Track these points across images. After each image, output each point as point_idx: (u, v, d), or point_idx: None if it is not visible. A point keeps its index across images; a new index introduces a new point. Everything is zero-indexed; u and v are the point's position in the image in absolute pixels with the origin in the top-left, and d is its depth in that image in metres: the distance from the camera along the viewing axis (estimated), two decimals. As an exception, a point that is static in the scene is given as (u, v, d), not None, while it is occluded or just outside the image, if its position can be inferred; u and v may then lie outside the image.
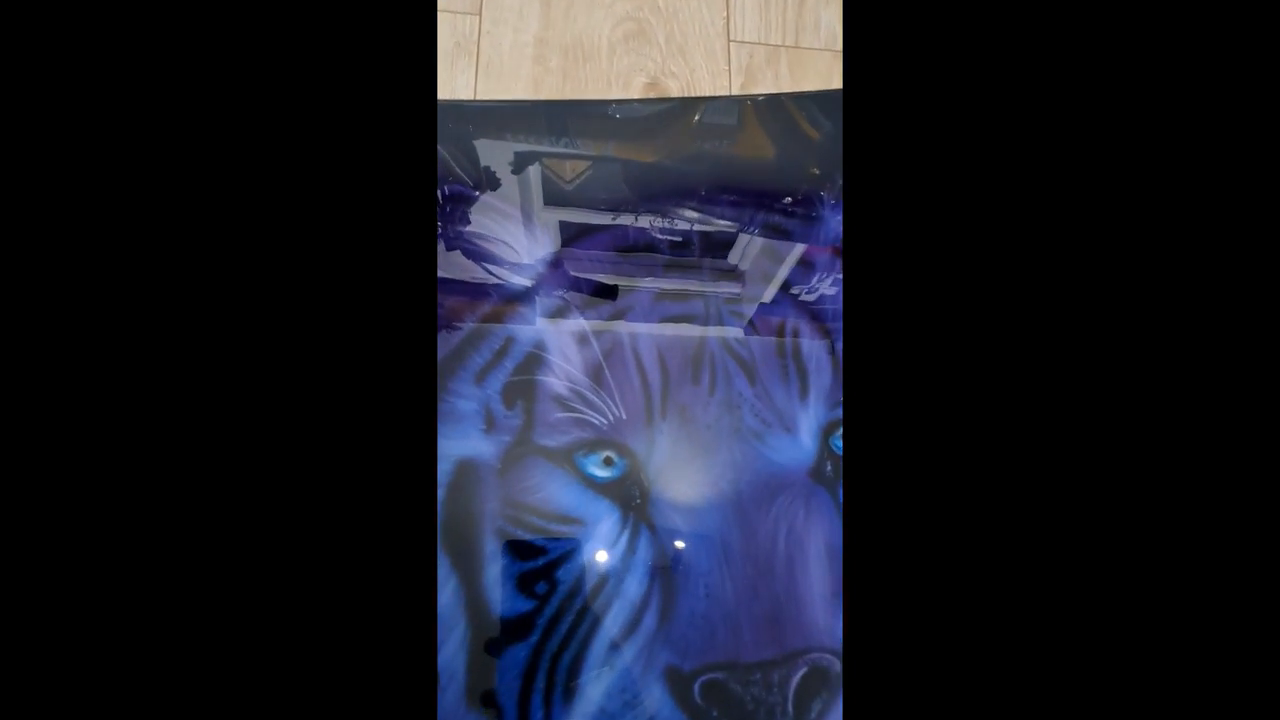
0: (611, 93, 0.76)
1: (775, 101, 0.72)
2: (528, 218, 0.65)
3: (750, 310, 0.65)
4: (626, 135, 0.70)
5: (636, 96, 0.76)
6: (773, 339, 0.64)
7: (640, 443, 0.59)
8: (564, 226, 0.66)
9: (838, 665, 0.54)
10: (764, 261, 0.67)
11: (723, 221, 0.67)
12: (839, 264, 0.67)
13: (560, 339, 0.61)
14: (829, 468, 0.60)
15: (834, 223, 0.68)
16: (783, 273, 0.67)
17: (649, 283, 0.65)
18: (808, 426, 0.61)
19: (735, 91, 0.77)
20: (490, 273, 0.63)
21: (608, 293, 0.64)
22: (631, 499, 0.57)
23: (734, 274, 0.66)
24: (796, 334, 0.64)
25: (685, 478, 0.59)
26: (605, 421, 0.59)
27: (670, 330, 0.63)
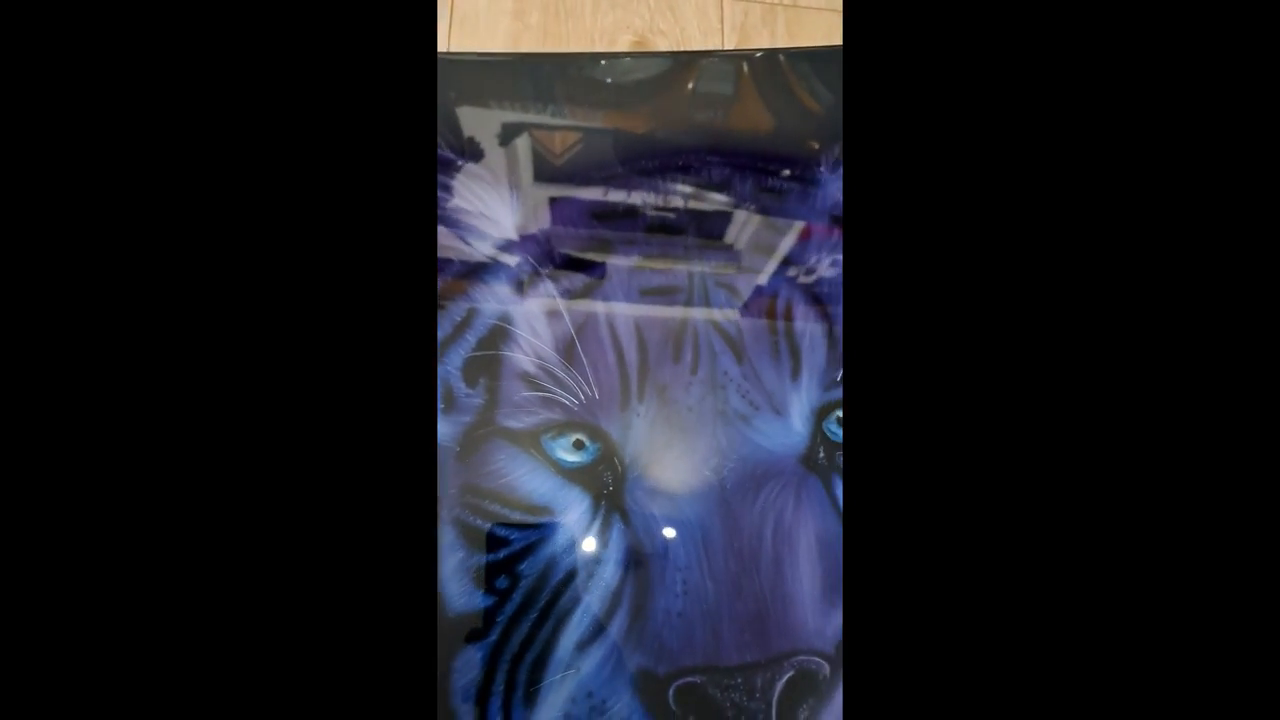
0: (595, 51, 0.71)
1: (773, 68, 0.67)
2: (515, 191, 0.61)
3: (747, 290, 0.60)
4: (617, 103, 0.65)
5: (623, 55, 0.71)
6: (763, 317, 0.59)
7: (615, 425, 0.54)
8: (554, 202, 0.61)
9: (827, 669, 0.49)
10: (761, 240, 0.62)
11: (718, 197, 0.63)
12: (838, 244, 0.62)
13: (529, 312, 0.56)
14: (822, 454, 0.55)
15: (831, 199, 0.63)
16: (780, 252, 0.62)
17: (640, 261, 0.60)
18: (799, 409, 0.56)
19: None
20: (473, 246, 0.58)
21: (594, 269, 0.59)
22: (604, 486, 0.53)
23: (730, 252, 0.61)
24: (790, 316, 0.59)
25: (663, 463, 0.54)
26: (576, 402, 0.54)
27: (649, 306, 0.58)
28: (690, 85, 0.66)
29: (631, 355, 0.56)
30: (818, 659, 0.49)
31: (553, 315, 0.57)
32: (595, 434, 0.54)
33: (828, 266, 0.62)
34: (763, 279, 0.61)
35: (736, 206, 0.63)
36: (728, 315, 0.58)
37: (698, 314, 0.58)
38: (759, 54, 0.69)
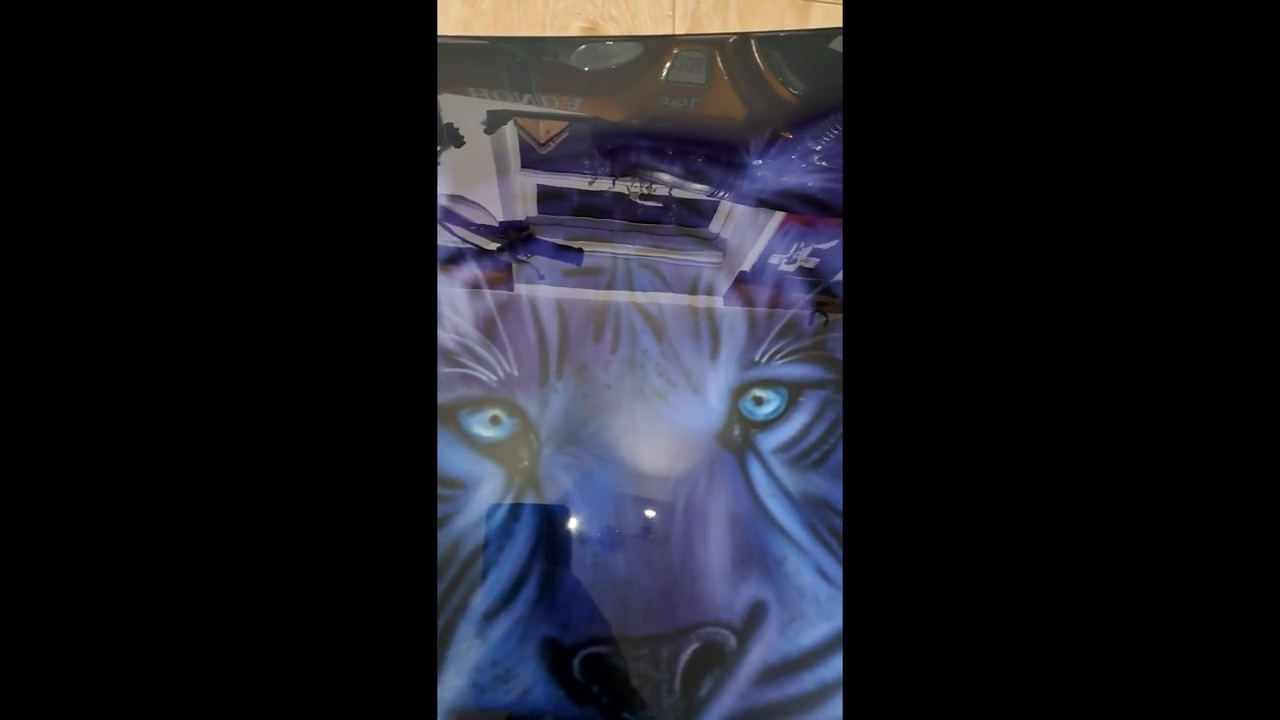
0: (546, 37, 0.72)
1: (745, 56, 0.67)
2: (503, 180, 0.61)
3: (729, 279, 0.61)
4: (594, 91, 0.66)
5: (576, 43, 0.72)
6: (685, 296, 0.60)
7: (532, 402, 0.55)
8: (541, 190, 0.62)
9: (733, 640, 0.50)
10: (745, 229, 0.63)
11: (696, 186, 0.63)
12: (819, 233, 0.63)
13: (450, 289, 0.57)
14: (737, 431, 0.56)
15: (760, 184, 0.64)
16: (762, 241, 0.63)
17: (624, 250, 0.61)
18: (717, 388, 0.57)
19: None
20: (454, 234, 0.59)
21: (573, 256, 0.60)
22: (519, 461, 0.53)
23: (715, 242, 0.62)
24: (776, 304, 0.60)
25: (579, 439, 0.54)
26: (495, 378, 0.55)
27: (573, 288, 0.59)
28: (663, 74, 0.67)
29: (552, 334, 0.57)
30: (724, 630, 0.50)
31: (474, 294, 0.57)
32: (513, 410, 0.54)
33: (807, 255, 0.62)
34: (747, 265, 0.62)
35: (710, 195, 0.64)
36: (651, 297, 0.59)
37: (620, 296, 0.59)
38: (731, 39, 0.69)
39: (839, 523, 0.53)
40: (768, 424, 0.56)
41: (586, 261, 0.60)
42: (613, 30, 0.78)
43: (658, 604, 0.50)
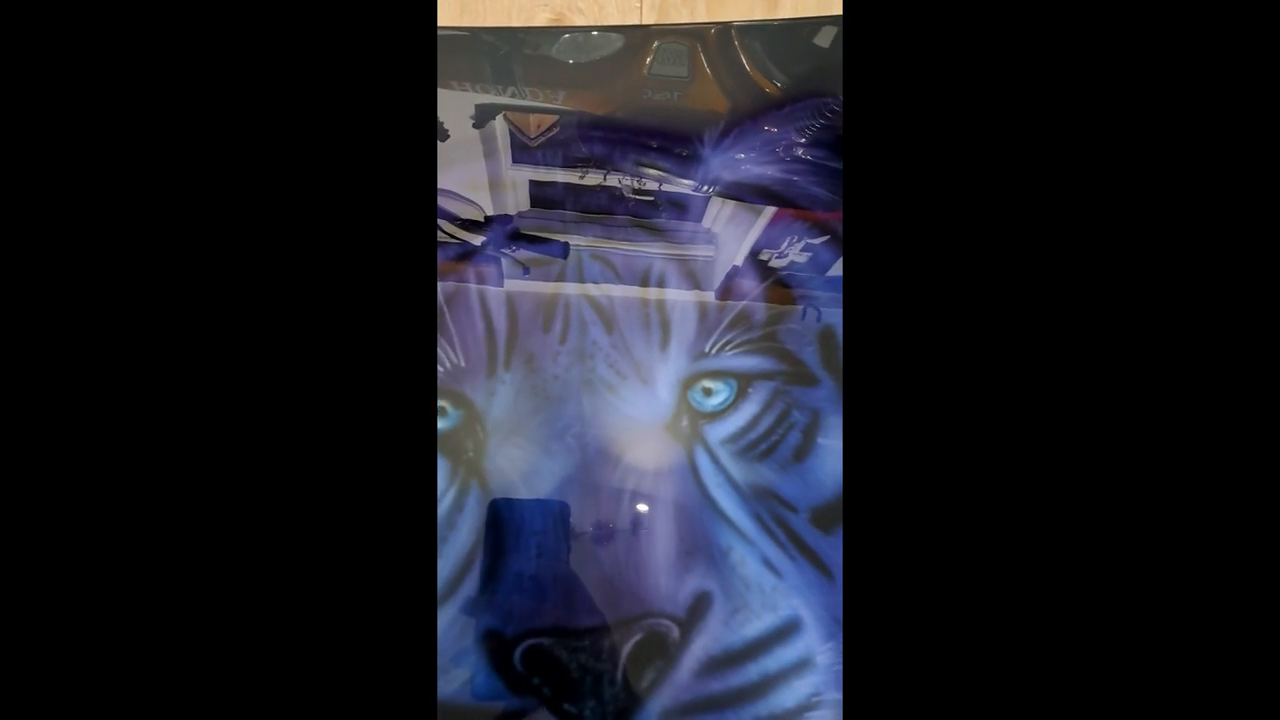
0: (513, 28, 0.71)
1: (727, 47, 0.67)
2: (494, 175, 0.61)
3: (721, 274, 0.61)
4: (577, 84, 0.65)
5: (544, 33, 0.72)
6: (637, 288, 0.59)
7: (479, 392, 0.54)
8: (533, 185, 0.62)
9: (676, 632, 0.50)
10: (736, 225, 0.62)
11: (684, 181, 0.63)
12: (810, 229, 0.62)
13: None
14: (685, 422, 0.55)
15: (712, 175, 0.64)
16: (752, 236, 0.62)
17: (613, 246, 0.60)
18: (666, 379, 0.57)
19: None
20: (441, 230, 0.58)
21: (557, 249, 0.60)
22: (463, 452, 0.53)
23: (706, 236, 0.62)
24: (767, 299, 0.60)
25: (526, 430, 0.54)
26: (441, 370, 0.55)
27: (523, 279, 0.59)
28: (645, 67, 0.66)
29: (501, 325, 0.57)
30: (668, 621, 0.50)
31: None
32: (458, 401, 0.54)
33: (799, 251, 0.62)
34: (738, 260, 0.61)
35: (695, 190, 0.63)
36: (603, 289, 0.59)
37: (570, 287, 0.59)
38: (712, 30, 0.69)
39: (786, 513, 0.53)
40: (716, 415, 0.56)
41: (538, 253, 0.60)
42: (580, 21, 0.77)
43: (601, 596, 0.50)
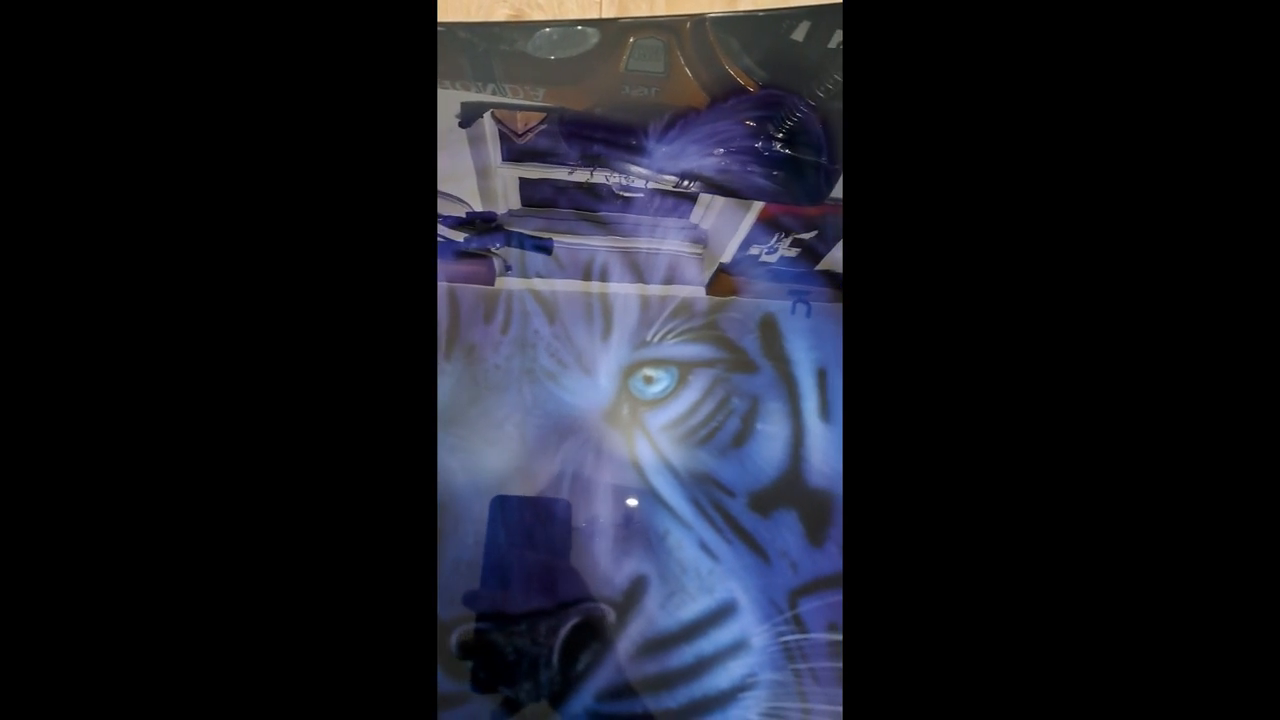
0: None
1: (703, 42, 0.67)
2: (483, 172, 0.61)
3: (711, 269, 0.61)
4: (556, 80, 0.66)
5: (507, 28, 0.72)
6: (579, 280, 0.60)
7: (419, 383, 0.55)
8: (523, 183, 0.62)
9: (613, 615, 0.50)
10: (725, 220, 0.63)
11: (666, 176, 0.64)
12: (799, 223, 0.63)
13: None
14: (626, 410, 0.56)
15: (658, 167, 0.65)
16: (742, 232, 0.63)
17: (605, 241, 0.61)
18: (607, 367, 0.57)
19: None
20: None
21: (543, 245, 0.60)
22: (403, 441, 0.53)
23: (696, 232, 0.63)
24: (757, 294, 0.61)
25: (466, 420, 0.55)
26: (382, 360, 0.55)
27: (466, 268, 0.59)
28: (622, 63, 0.67)
29: (442, 315, 0.57)
30: (604, 605, 0.50)
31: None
32: (399, 391, 0.55)
33: (788, 245, 0.63)
34: (727, 257, 0.62)
35: (676, 186, 0.64)
36: (545, 281, 0.60)
37: (513, 280, 0.59)
38: (688, 24, 0.69)
39: (723, 498, 0.54)
40: (657, 402, 0.57)
41: (481, 243, 0.60)
42: (538, 16, 0.78)
43: (539, 581, 0.51)
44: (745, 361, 0.59)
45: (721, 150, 0.65)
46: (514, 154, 0.64)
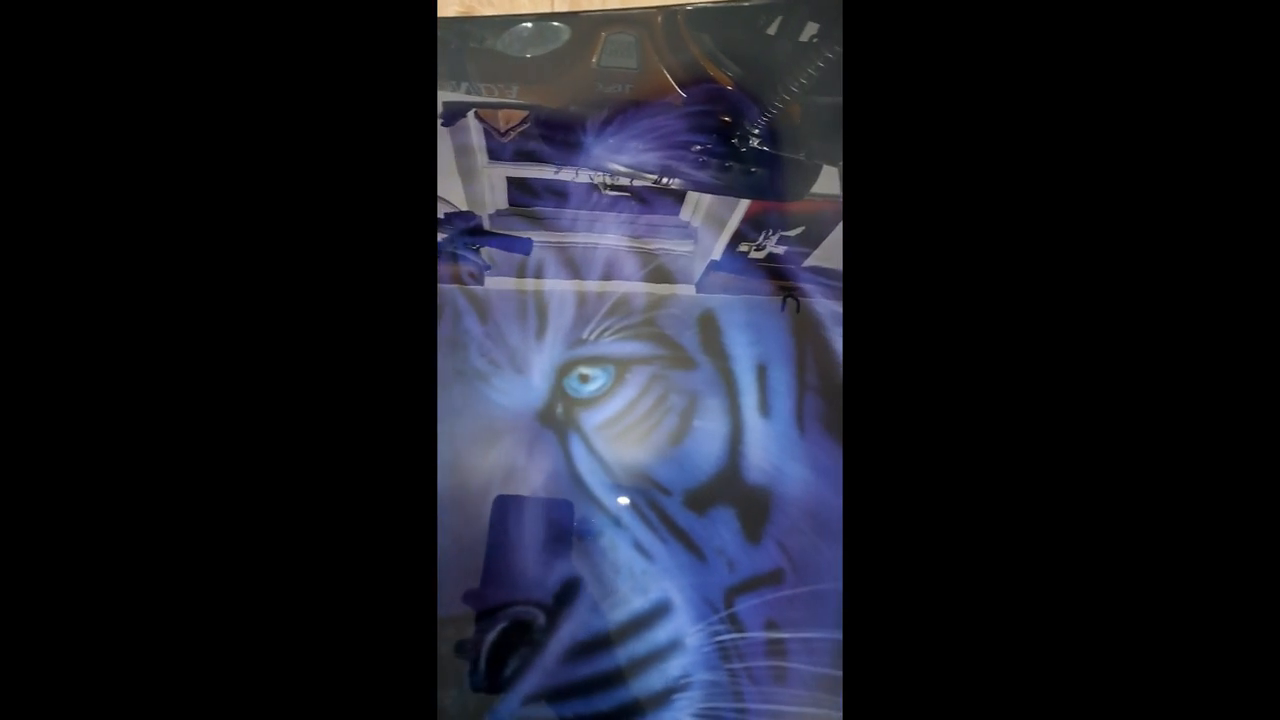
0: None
1: (675, 38, 0.66)
2: (467, 173, 0.60)
3: (701, 267, 0.61)
4: (530, 78, 0.65)
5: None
6: (512, 279, 0.59)
7: (347, 385, 0.54)
8: (511, 183, 0.62)
9: (542, 619, 0.49)
10: (714, 217, 0.63)
11: (649, 175, 0.63)
12: (787, 219, 0.62)
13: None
14: (560, 409, 0.55)
15: (594, 160, 0.64)
16: (729, 229, 0.62)
17: (595, 240, 0.60)
18: (541, 367, 0.56)
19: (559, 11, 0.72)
20: None
21: (522, 245, 0.60)
22: (329, 445, 0.52)
23: (686, 230, 0.62)
24: (746, 291, 0.60)
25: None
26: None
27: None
28: (595, 59, 0.66)
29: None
30: (534, 609, 0.49)
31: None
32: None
33: (775, 242, 0.62)
34: (716, 254, 0.61)
35: (656, 182, 0.63)
36: (475, 278, 0.59)
37: (445, 271, 0.59)
38: (659, 17, 0.68)
39: (659, 496, 0.53)
40: (592, 401, 0.56)
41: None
42: (488, 11, 0.77)
43: (467, 583, 0.50)
44: (684, 358, 0.58)
45: (659, 146, 0.65)
46: (498, 153, 0.64)
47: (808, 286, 0.60)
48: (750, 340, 0.59)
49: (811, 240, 0.62)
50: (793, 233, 0.62)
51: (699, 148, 0.64)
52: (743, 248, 0.62)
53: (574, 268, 0.60)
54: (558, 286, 0.59)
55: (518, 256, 0.60)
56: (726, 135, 0.64)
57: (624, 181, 0.63)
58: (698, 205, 0.63)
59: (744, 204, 0.63)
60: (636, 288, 0.60)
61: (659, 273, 0.61)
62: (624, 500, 0.52)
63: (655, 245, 0.61)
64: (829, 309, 0.60)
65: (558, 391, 0.56)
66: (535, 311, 0.58)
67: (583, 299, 0.59)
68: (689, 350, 0.58)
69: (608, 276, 0.60)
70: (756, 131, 0.65)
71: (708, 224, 0.63)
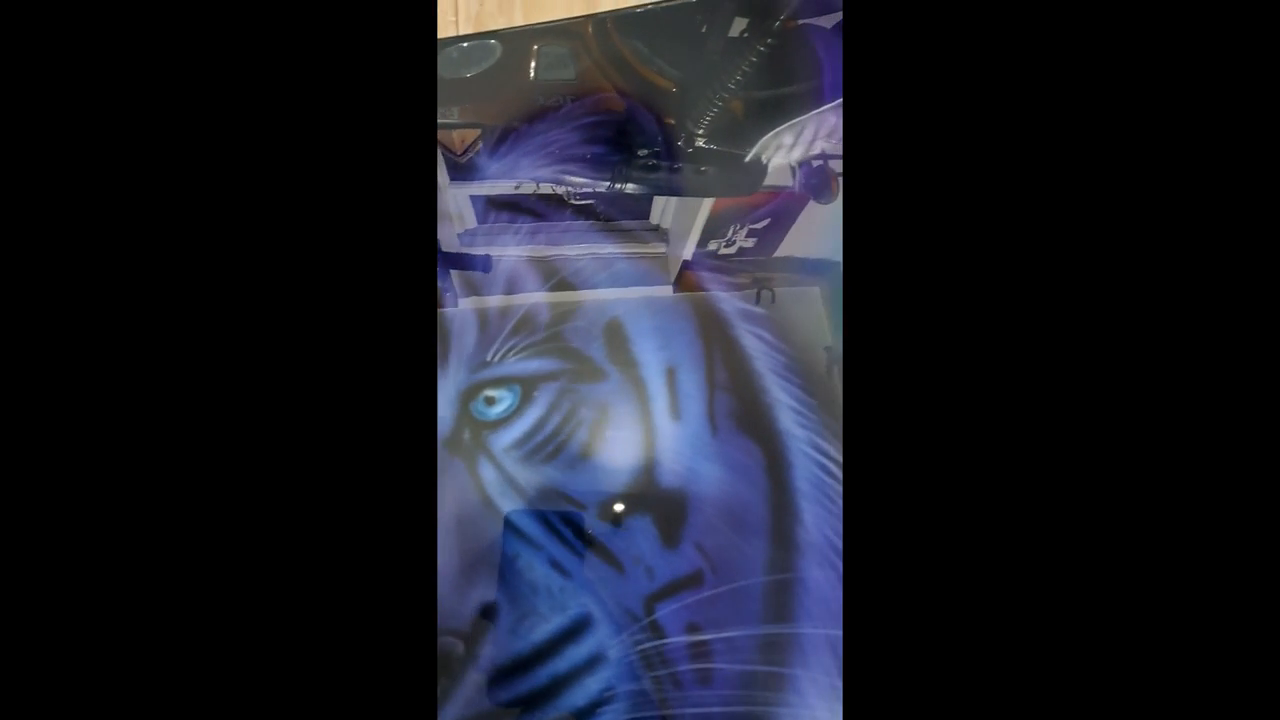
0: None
1: (608, 46, 0.65)
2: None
3: (674, 269, 0.60)
4: (468, 96, 0.65)
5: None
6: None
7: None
8: (475, 201, 0.61)
9: (461, 648, 0.49)
10: (681, 219, 0.62)
11: (602, 183, 0.62)
12: (752, 214, 0.62)
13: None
14: (467, 434, 0.55)
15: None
16: (698, 228, 0.62)
17: (573, 251, 0.60)
18: (446, 393, 0.56)
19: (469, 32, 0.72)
20: None
21: (481, 263, 0.60)
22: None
23: (658, 232, 0.62)
24: (721, 288, 0.60)
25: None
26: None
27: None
28: (531, 73, 0.66)
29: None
30: (451, 638, 0.49)
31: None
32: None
33: (744, 237, 0.62)
34: (687, 254, 0.61)
35: (609, 188, 0.63)
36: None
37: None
38: (589, 27, 0.67)
39: (574, 511, 0.53)
40: (499, 423, 0.56)
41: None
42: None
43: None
44: (592, 370, 0.58)
45: (554, 160, 0.65)
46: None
47: (780, 276, 0.60)
48: (658, 345, 0.59)
49: (782, 230, 0.62)
50: (760, 225, 0.62)
51: (645, 152, 0.64)
52: (712, 245, 0.62)
53: (471, 285, 0.60)
54: (458, 311, 0.59)
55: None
56: (672, 137, 0.64)
57: (588, 189, 0.63)
58: (665, 208, 0.63)
59: (708, 203, 0.63)
60: (607, 294, 0.60)
61: (630, 277, 0.60)
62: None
63: (629, 250, 0.61)
64: (733, 305, 0.60)
65: (464, 417, 0.56)
66: (438, 337, 0.58)
67: (484, 319, 0.59)
68: (597, 361, 0.58)
69: (509, 290, 0.60)
70: (701, 131, 0.65)
71: (677, 226, 0.63)
